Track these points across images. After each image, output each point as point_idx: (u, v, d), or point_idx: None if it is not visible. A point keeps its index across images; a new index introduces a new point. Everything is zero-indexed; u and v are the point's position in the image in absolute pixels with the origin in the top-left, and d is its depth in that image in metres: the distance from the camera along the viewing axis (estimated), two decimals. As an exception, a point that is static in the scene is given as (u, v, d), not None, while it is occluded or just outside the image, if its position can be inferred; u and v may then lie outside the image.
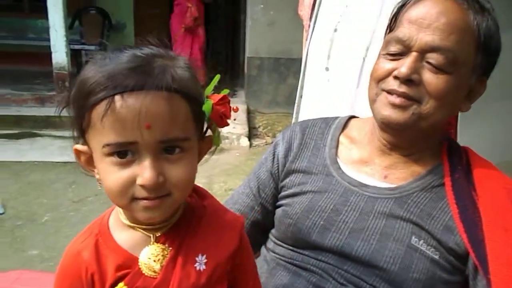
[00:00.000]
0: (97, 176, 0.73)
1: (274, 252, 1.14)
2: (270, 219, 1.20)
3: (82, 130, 0.71)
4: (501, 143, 1.45)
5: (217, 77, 0.76)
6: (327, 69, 1.96)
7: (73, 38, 6.97)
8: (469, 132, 1.20)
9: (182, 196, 0.73)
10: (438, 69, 0.97)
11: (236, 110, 0.77)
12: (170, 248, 0.75)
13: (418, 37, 0.97)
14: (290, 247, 1.10)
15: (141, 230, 0.75)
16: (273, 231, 1.19)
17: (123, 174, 0.67)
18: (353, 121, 1.23)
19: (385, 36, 1.08)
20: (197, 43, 6.28)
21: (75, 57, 7.27)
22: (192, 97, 0.70)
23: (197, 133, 0.74)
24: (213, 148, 0.78)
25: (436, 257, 0.98)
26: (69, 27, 6.55)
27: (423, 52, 0.98)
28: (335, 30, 1.90)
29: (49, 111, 5.55)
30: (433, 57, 0.97)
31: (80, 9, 7.21)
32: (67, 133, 0.75)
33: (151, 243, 0.75)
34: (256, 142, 5.62)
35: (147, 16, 7.90)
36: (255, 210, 1.20)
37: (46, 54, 5.90)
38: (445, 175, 1.05)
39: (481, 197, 0.99)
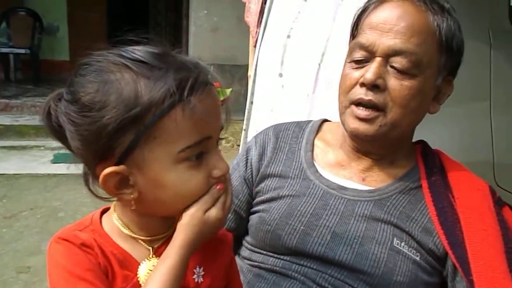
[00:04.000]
0: (132, 196, 0.66)
1: (251, 260, 1.09)
2: (244, 226, 1.15)
3: (126, 151, 0.63)
4: (455, 147, 1.50)
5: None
6: (280, 75, 1.94)
7: (0, 41, 6.52)
8: (423, 136, 1.22)
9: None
10: (402, 72, 0.98)
11: None
12: None
13: (380, 42, 0.98)
14: (270, 253, 1.06)
15: (142, 242, 0.71)
16: (247, 238, 1.14)
17: (201, 175, 0.67)
18: (326, 124, 1.22)
19: (349, 44, 1.08)
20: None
21: (3, 61, 6.81)
22: None
23: None
24: None
25: (418, 258, 0.98)
26: (-4, 29, 6.12)
27: (386, 56, 0.98)
28: (288, 37, 1.90)
29: (-26, 118, 5.12)
30: (397, 61, 0.97)
31: (7, 10, 6.70)
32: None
33: (150, 256, 0.71)
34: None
35: (83, 18, 7.49)
36: (228, 219, 1.15)
37: (-31, 57, 5.45)
38: (421, 177, 1.06)
39: (458, 199, 1.01)
